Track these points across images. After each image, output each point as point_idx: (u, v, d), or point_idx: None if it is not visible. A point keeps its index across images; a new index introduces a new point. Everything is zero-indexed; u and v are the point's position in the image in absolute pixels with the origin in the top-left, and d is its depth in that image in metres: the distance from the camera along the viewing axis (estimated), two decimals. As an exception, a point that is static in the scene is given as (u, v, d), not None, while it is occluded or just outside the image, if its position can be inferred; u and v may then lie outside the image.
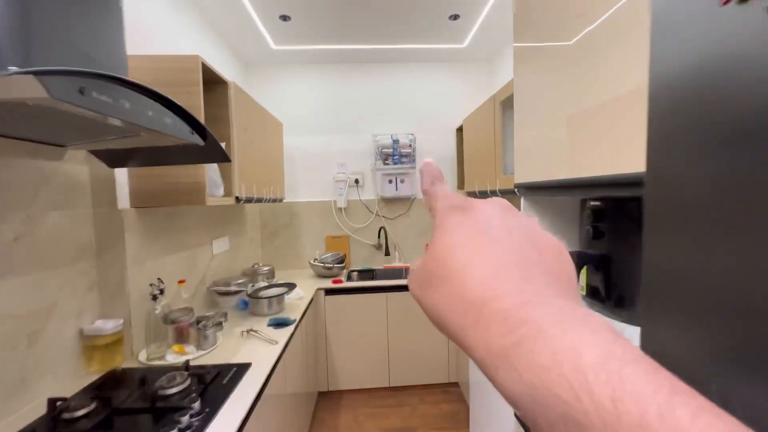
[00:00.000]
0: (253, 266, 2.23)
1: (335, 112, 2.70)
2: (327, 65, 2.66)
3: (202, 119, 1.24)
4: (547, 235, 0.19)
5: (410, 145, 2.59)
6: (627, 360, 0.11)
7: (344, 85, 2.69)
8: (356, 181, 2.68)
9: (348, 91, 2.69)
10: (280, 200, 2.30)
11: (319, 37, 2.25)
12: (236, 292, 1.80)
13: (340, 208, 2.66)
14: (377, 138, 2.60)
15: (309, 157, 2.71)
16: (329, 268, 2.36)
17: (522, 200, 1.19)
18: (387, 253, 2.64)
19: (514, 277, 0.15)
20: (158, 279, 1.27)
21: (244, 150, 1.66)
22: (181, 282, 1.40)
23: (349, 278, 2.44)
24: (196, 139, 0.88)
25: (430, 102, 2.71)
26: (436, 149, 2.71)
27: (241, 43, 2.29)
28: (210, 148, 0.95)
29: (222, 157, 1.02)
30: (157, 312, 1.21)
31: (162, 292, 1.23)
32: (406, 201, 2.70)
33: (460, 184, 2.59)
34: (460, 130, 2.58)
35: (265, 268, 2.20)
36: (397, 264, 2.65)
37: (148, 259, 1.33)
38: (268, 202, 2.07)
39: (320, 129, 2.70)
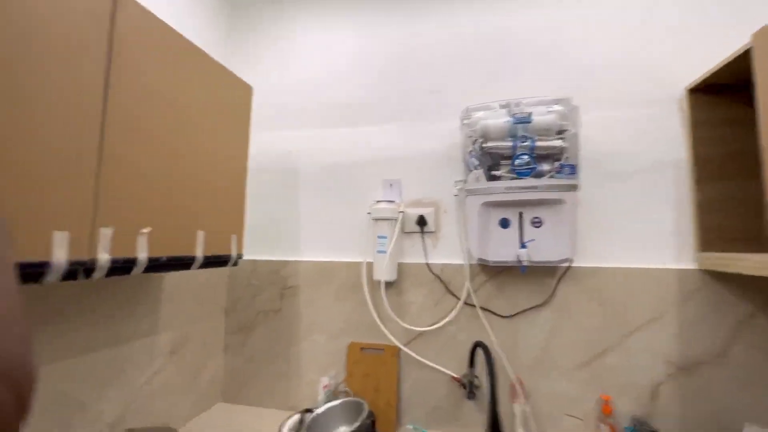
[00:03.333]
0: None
1: (382, 79, 1.28)
2: (369, -14, 1.31)
3: None
4: None
5: (563, 131, 0.99)
6: None
7: (402, 24, 1.28)
8: (420, 220, 1.16)
9: (410, 33, 1.27)
10: (224, 261, 0.92)
11: None
12: None
13: (383, 283, 1.15)
14: (472, 117, 1.07)
15: (323, 172, 1.30)
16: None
17: None
18: (494, 417, 0.97)
19: None
20: None
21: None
22: None
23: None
24: None
25: (609, 38, 1.12)
26: (627, 142, 1.07)
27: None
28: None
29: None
30: None
31: None
32: (546, 274, 1.07)
33: (706, 241, 0.90)
34: (698, 91, 0.92)
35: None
36: (521, 445, 0.98)
37: None
38: (170, 268, 0.70)
39: (348, 115, 1.30)
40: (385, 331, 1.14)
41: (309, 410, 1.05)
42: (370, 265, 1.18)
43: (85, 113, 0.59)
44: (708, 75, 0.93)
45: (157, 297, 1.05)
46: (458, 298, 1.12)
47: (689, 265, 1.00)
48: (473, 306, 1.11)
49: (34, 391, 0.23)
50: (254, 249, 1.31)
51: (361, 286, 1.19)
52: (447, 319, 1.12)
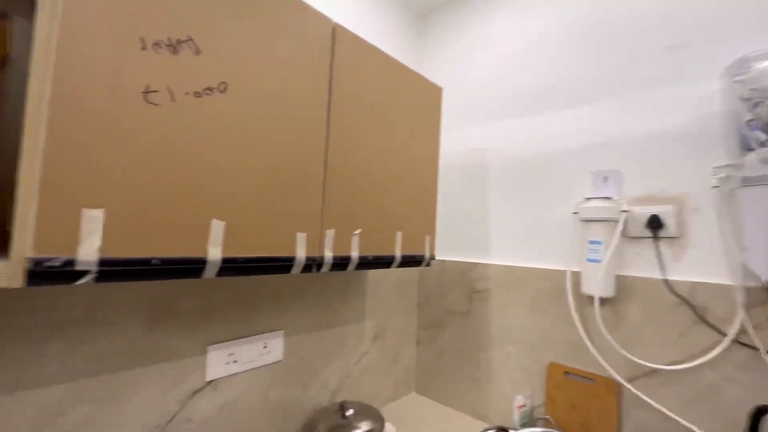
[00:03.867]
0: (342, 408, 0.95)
1: (583, 48, 1.05)
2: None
3: None
4: None
5: None
6: None
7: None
8: (653, 222, 0.88)
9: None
10: (418, 261, 0.95)
11: None
12: None
13: (597, 298, 0.94)
14: (754, 69, 0.72)
15: (514, 167, 1.18)
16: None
17: None
18: None
19: None
20: None
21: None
22: None
23: None
24: None
25: None
26: None
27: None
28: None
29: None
30: None
31: None
32: None
33: None
34: None
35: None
36: None
37: None
38: (375, 266, 0.81)
39: (541, 100, 1.13)
40: (599, 359, 0.93)
41: (503, 429, 0.96)
42: (576, 275, 0.99)
43: (316, 133, 0.71)
44: None
45: (363, 289, 1.19)
46: (722, 333, 0.79)
47: None
48: (753, 348, 0.75)
49: None
50: (443, 249, 1.32)
51: (563, 298, 1.01)
52: (702, 360, 0.81)
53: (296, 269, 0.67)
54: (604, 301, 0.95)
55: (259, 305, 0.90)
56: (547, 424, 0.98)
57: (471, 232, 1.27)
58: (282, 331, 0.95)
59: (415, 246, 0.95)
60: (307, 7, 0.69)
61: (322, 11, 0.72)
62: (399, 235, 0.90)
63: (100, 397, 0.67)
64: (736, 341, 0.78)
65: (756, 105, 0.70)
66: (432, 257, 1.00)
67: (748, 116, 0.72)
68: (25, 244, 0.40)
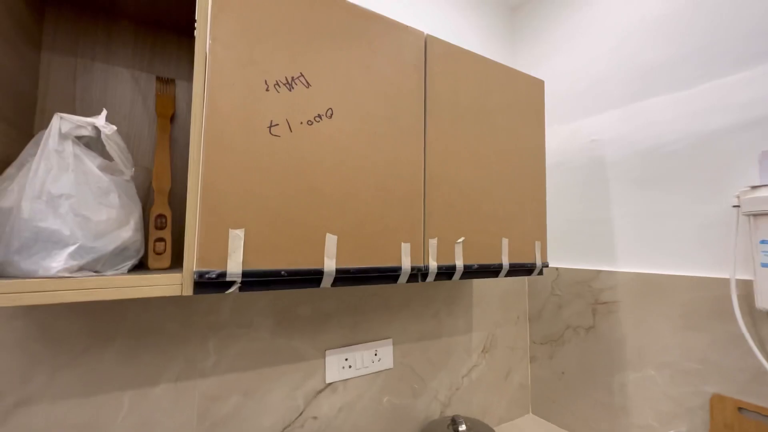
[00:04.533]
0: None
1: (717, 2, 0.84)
2: None
3: None
4: None
5: None
6: None
7: None
8: None
9: None
10: (532, 269, 0.89)
11: None
12: None
13: (775, 315, 0.73)
14: None
15: (639, 157, 1.01)
16: None
17: None
18: None
19: None
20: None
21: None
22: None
23: None
24: None
25: None
26: None
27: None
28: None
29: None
30: None
31: None
32: None
33: None
34: None
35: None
36: None
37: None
38: (480, 275, 0.79)
39: (665, 77, 0.94)
40: (793, 394, 0.71)
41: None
42: (745, 284, 0.78)
43: (414, 145, 0.72)
44: None
45: (469, 300, 1.15)
46: None
47: None
48: None
49: None
50: (556, 255, 1.20)
51: (728, 314, 0.81)
52: None
53: (402, 278, 0.69)
54: (793, 319, 0.72)
55: (369, 314, 0.95)
56: (714, 471, 0.79)
57: (590, 235, 1.12)
58: (390, 340, 0.97)
59: (523, 253, 0.88)
60: (398, 24, 0.72)
61: (415, 19, 0.74)
62: (505, 242, 0.85)
63: (246, 390, 0.78)
64: None
65: None
66: (545, 264, 0.91)
67: None
68: (191, 261, 0.50)
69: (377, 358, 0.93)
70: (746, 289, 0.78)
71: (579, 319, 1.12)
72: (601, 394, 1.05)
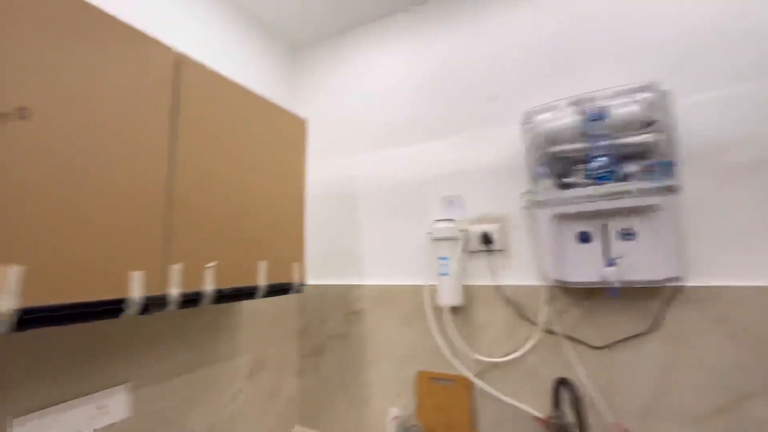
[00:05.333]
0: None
1: (435, 93, 1.24)
2: (412, 14, 1.30)
3: None
4: None
5: (650, 122, 0.82)
6: None
7: (453, 32, 1.24)
8: (484, 238, 1.07)
9: (462, 40, 1.21)
10: (286, 289, 0.96)
11: None
12: None
13: (447, 308, 1.07)
14: (535, 120, 0.95)
15: (381, 194, 1.29)
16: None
17: None
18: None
19: None
20: None
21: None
22: None
23: None
24: None
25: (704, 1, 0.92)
26: (743, 125, 0.84)
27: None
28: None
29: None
30: None
31: None
32: (647, 296, 0.88)
33: None
34: None
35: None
36: None
37: None
38: (235, 298, 0.77)
39: (402, 133, 1.28)
40: (453, 362, 1.05)
41: (377, 443, 1.00)
42: (433, 288, 1.11)
43: (152, 164, 0.67)
44: None
45: (237, 323, 1.13)
46: (533, 323, 0.98)
47: None
48: (555, 334, 0.96)
49: None
50: (323, 274, 1.35)
51: (422, 310, 1.12)
52: (524, 350, 0.99)
53: (131, 311, 0.61)
54: (456, 310, 1.09)
55: (93, 358, 0.78)
56: (416, 430, 1.06)
57: (346, 255, 1.33)
58: (126, 385, 0.83)
59: (282, 274, 0.96)
60: (144, 35, 0.67)
61: (176, 41, 0.71)
62: (263, 265, 0.89)
63: None
64: (545, 330, 0.97)
65: (538, 147, 0.92)
66: (302, 284, 1.01)
67: (534, 155, 0.94)
68: None
69: (102, 412, 0.77)
70: (434, 292, 1.12)
71: (337, 329, 1.29)
72: (353, 390, 1.24)
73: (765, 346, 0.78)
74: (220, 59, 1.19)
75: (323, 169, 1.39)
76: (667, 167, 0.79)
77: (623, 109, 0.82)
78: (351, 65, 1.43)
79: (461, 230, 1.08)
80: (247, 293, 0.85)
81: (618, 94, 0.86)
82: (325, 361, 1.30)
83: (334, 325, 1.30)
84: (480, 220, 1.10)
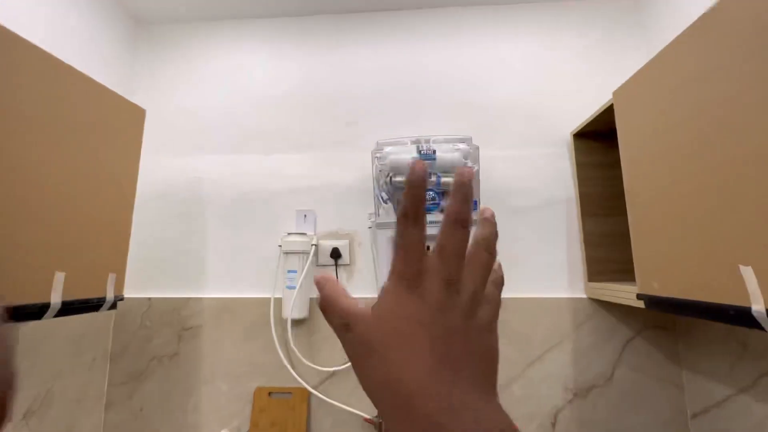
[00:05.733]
0: None
1: (299, 108, 1.27)
2: (286, 21, 1.31)
3: None
4: (486, 338, 0.22)
5: (466, 164, 1.04)
6: None
7: (320, 55, 1.29)
8: (334, 253, 1.13)
9: (328, 65, 1.28)
10: (100, 304, 0.79)
11: None
12: None
13: (290, 320, 1.08)
14: (383, 151, 1.08)
15: (234, 201, 1.23)
16: None
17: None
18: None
19: (445, 380, 0.19)
20: None
21: None
22: None
23: None
24: None
25: (504, 82, 1.22)
26: (526, 179, 1.15)
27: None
28: None
29: None
30: None
31: None
32: (453, 305, 1.08)
33: (594, 272, 1.00)
34: (581, 135, 1.04)
35: None
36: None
37: None
38: (12, 320, 0.55)
39: (262, 142, 1.25)
40: (293, 373, 1.06)
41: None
42: (279, 301, 1.11)
43: None
44: (586, 123, 1.04)
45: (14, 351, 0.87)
46: (371, 334, 1.09)
47: (581, 294, 1.08)
48: (386, 341, 1.08)
49: (13, 397, 0.20)
50: (150, 285, 1.17)
51: (268, 323, 1.10)
52: (359, 357, 1.07)
53: None
54: (300, 322, 1.10)
55: None
56: (248, 450, 1.02)
57: (186, 265, 1.19)
58: None
59: (91, 287, 0.80)
60: None
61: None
62: (60, 276, 0.73)
63: None
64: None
65: (385, 175, 1.05)
66: (119, 298, 0.86)
67: (381, 181, 1.06)
68: None
69: None
70: (279, 305, 1.11)
71: (165, 348, 1.14)
72: (178, 417, 1.10)
73: (524, 342, 1.06)
74: (38, 23, 0.93)
75: (161, 168, 1.23)
76: (474, 205, 1.01)
77: (448, 154, 1.01)
78: (212, 58, 1.32)
79: (313, 244, 1.11)
80: (31, 313, 0.67)
81: (446, 141, 1.05)
82: (143, 388, 1.12)
83: (161, 344, 1.14)
84: (332, 235, 1.16)
